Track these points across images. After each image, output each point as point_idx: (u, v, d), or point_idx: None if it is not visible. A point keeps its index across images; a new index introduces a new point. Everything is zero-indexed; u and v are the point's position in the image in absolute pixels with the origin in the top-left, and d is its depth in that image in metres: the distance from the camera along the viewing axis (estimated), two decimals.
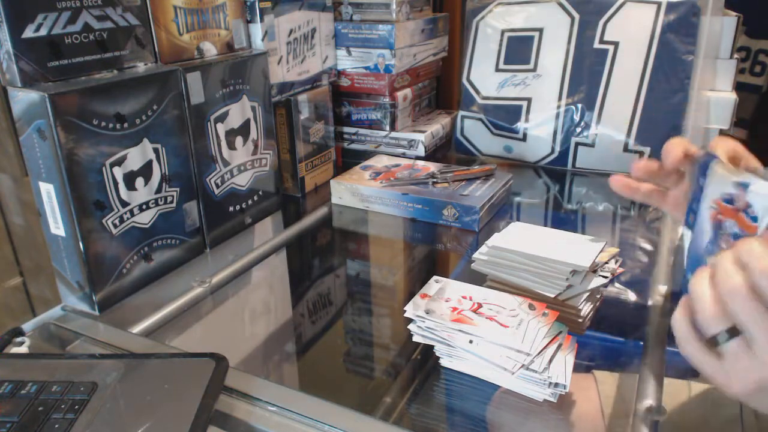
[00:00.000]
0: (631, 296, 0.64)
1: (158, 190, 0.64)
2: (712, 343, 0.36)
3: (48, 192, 0.56)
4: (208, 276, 0.67)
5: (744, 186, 0.39)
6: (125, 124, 0.59)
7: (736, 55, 0.91)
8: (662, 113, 0.90)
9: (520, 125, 0.99)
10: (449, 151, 1.10)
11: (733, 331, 0.35)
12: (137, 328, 0.58)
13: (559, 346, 0.49)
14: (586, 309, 0.55)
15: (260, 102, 0.78)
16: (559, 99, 0.96)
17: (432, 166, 0.90)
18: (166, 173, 0.65)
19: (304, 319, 0.63)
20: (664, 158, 0.51)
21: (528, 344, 0.47)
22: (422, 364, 0.53)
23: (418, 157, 1.02)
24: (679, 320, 0.38)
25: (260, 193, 0.81)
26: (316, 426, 0.44)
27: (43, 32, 0.54)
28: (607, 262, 0.65)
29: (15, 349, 0.53)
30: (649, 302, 0.62)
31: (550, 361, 0.47)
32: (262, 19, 0.80)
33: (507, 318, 0.50)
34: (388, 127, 1.06)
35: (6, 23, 0.51)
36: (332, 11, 0.98)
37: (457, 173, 0.86)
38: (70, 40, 0.56)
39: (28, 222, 0.91)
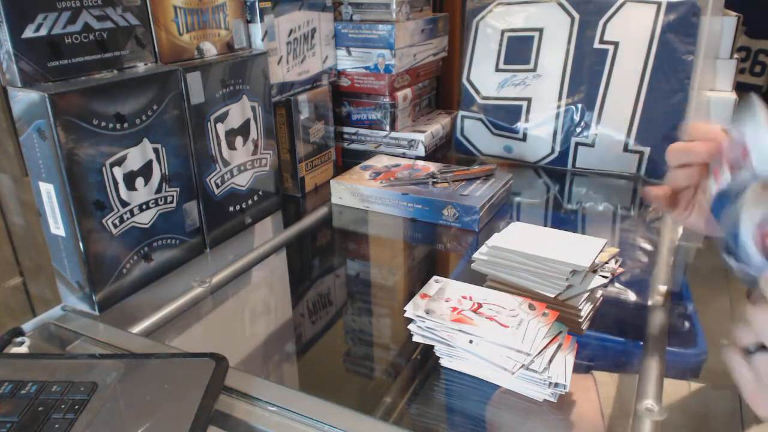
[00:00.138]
0: (631, 296, 0.64)
1: (158, 190, 0.64)
2: (745, 351, 0.36)
3: (48, 192, 0.56)
4: (208, 276, 0.67)
5: None
6: (125, 124, 0.59)
7: (736, 55, 0.91)
8: (662, 113, 0.90)
9: (520, 125, 0.99)
10: (449, 151, 1.10)
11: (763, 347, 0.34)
12: (137, 328, 0.58)
13: (559, 346, 0.49)
14: (586, 309, 0.55)
15: (260, 102, 0.78)
16: (559, 99, 0.96)
17: (432, 166, 0.90)
18: (166, 173, 0.65)
19: (304, 319, 0.63)
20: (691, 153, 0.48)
21: (528, 344, 0.47)
22: (422, 364, 0.53)
23: (418, 157, 1.02)
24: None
25: (260, 193, 0.81)
26: (316, 426, 0.44)
27: (43, 32, 0.54)
28: (607, 262, 0.65)
29: (15, 349, 0.53)
30: (649, 302, 0.62)
31: (550, 361, 0.47)
32: (262, 19, 0.80)
33: (507, 318, 0.50)
34: (388, 127, 1.06)
35: (6, 23, 0.51)
36: (332, 11, 0.98)
37: (457, 173, 0.86)
38: (70, 40, 0.56)
39: (28, 222, 0.91)
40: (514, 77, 1.00)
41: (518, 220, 0.83)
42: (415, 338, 0.52)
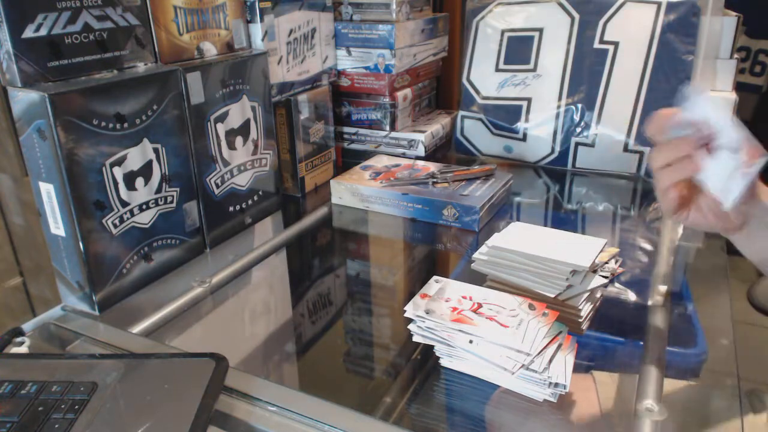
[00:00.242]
0: (631, 296, 0.64)
1: (158, 190, 0.64)
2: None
3: (48, 192, 0.56)
4: (208, 276, 0.67)
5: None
6: (125, 124, 0.59)
7: (736, 55, 0.90)
8: None
9: (520, 125, 0.99)
10: (449, 151, 1.10)
11: None
12: (137, 328, 0.58)
13: (559, 346, 0.49)
14: (586, 309, 0.55)
15: (260, 102, 0.78)
16: (559, 99, 0.96)
17: (432, 166, 0.90)
18: (166, 173, 0.65)
19: (304, 319, 0.63)
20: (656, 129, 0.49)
21: (528, 344, 0.47)
22: (422, 364, 0.53)
23: (418, 157, 1.02)
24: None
25: (260, 193, 0.81)
26: (316, 426, 0.44)
27: (43, 32, 0.54)
28: (607, 262, 0.65)
29: (15, 349, 0.53)
30: (649, 302, 0.62)
31: (550, 361, 0.47)
32: (262, 19, 0.80)
33: (507, 318, 0.50)
34: (388, 127, 1.06)
35: (6, 23, 0.51)
36: (332, 11, 0.98)
37: (457, 173, 0.86)
38: (70, 40, 0.56)
39: (28, 222, 0.91)
40: (514, 77, 1.00)
41: (518, 220, 0.82)
42: (415, 338, 0.52)
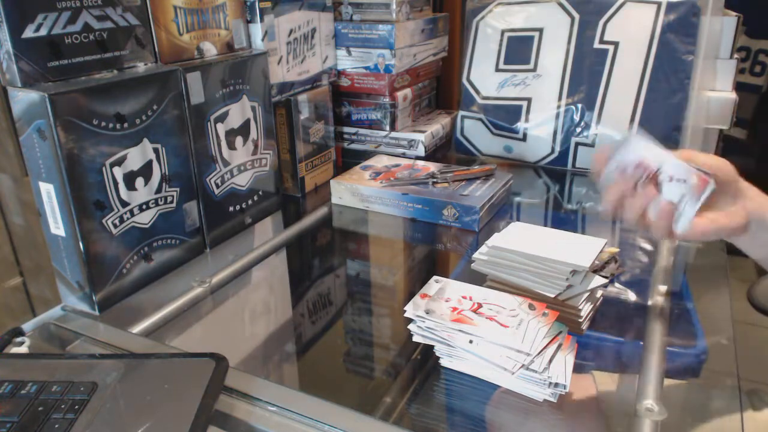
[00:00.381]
0: (631, 296, 0.64)
1: (158, 190, 0.64)
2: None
3: (48, 192, 0.56)
4: (208, 276, 0.67)
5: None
6: (125, 124, 0.59)
7: (736, 55, 0.90)
8: (662, 113, 0.90)
9: (520, 125, 0.99)
10: (449, 151, 1.10)
11: None
12: (137, 328, 0.58)
13: (559, 346, 0.49)
14: (586, 309, 0.55)
15: (260, 102, 0.78)
16: (559, 99, 0.96)
17: (432, 166, 0.90)
18: (166, 173, 0.65)
19: (304, 319, 0.63)
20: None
21: (528, 344, 0.47)
22: (422, 364, 0.53)
23: (418, 157, 1.02)
24: None
25: (260, 193, 0.81)
26: (316, 426, 0.44)
27: (43, 32, 0.54)
28: (607, 262, 0.65)
29: (15, 349, 0.53)
30: (649, 302, 0.62)
31: (550, 361, 0.47)
32: (262, 19, 0.80)
33: (507, 318, 0.50)
34: (388, 127, 1.06)
35: (6, 23, 0.51)
36: (332, 11, 0.98)
37: (457, 173, 0.86)
38: (70, 40, 0.56)
39: (28, 222, 0.91)
40: (514, 77, 1.00)
41: (518, 220, 0.83)
42: (415, 338, 0.52)
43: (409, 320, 0.52)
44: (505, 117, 1.00)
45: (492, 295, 0.54)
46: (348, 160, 1.05)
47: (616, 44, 0.92)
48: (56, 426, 0.40)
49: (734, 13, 0.90)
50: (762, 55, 1.73)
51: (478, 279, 0.60)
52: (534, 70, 0.98)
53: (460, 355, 0.50)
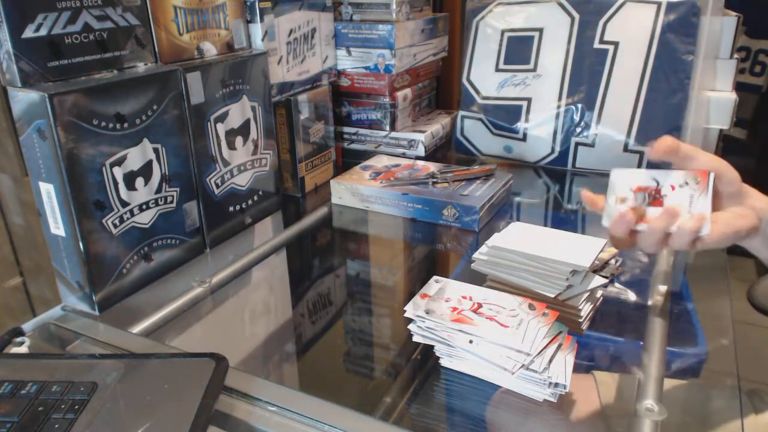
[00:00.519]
0: (631, 296, 0.64)
1: (158, 190, 0.64)
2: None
3: (48, 192, 0.56)
4: (208, 276, 0.67)
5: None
6: (125, 124, 0.59)
7: (736, 55, 0.91)
8: (662, 113, 0.90)
9: (520, 125, 0.99)
10: (449, 151, 1.10)
11: None
12: (137, 328, 0.58)
13: (559, 346, 0.49)
14: (586, 309, 0.55)
15: (260, 102, 0.78)
16: (559, 99, 0.96)
17: (432, 166, 0.90)
18: (166, 173, 0.65)
19: (304, 319, 0.63)
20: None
21: (528, 344, 0.47)
22: (422, 364, 0.53)
23: (418, 157, 1.02)
24: None
25: (260, 193, 0.81)
26: (316, 426, 0.44)
27: (43, 32, 0.54)
28: (607, 262, 0.65)
29: (15, 349, 0.53)
30: (649, 302, 0.62)
31: (550, 361, 0.47)
32: (262, 19, 0.80)
33: (507, 318, 0.50)
34: (388, 127, 1.06)
35: (6, 23, 0.51)
36: (332, 11, 0.98)
37: (457, 173, 0.86)
38: (70, 40, 0.56)
39: (28, 222, 0.91)
40: (514, 77, 1.00)
41: (518, 220, 0.83)
42: (415, 338, 0.52)
43: (409, 320, 0.52)
44: (505, 117, 1.00)
45: (492, 295, 0.54)
46: (348, 160, 1.05)
47: (616, 44, 0.92)
48: (56, 426, 0.40)
49: (734, 13, 0.90)
50: (762, 55, 1.73)
51: (478, 279, 0.60)
52: (534, 70, 0.98)
53: (460, 355, 0.50)
